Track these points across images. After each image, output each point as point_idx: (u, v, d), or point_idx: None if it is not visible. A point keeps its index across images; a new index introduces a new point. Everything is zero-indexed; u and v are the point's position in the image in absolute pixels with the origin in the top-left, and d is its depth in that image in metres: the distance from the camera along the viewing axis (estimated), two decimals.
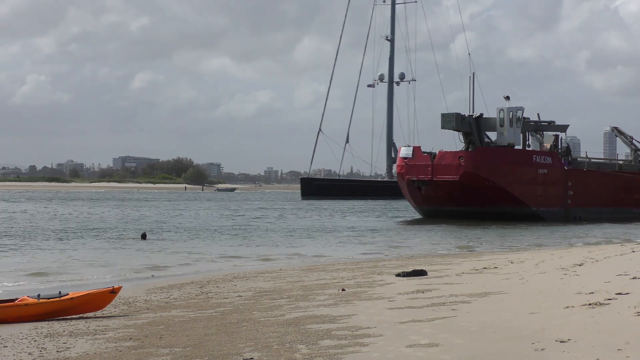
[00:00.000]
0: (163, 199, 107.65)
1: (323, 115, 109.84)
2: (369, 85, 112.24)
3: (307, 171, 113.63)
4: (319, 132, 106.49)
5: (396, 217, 60.36)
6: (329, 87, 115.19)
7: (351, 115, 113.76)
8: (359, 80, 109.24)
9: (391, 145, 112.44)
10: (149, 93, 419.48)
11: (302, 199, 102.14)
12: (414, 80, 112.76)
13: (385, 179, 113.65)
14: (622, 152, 76.59)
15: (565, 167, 56.19)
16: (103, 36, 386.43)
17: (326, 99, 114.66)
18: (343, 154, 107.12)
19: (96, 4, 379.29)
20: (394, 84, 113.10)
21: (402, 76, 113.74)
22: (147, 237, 35.01)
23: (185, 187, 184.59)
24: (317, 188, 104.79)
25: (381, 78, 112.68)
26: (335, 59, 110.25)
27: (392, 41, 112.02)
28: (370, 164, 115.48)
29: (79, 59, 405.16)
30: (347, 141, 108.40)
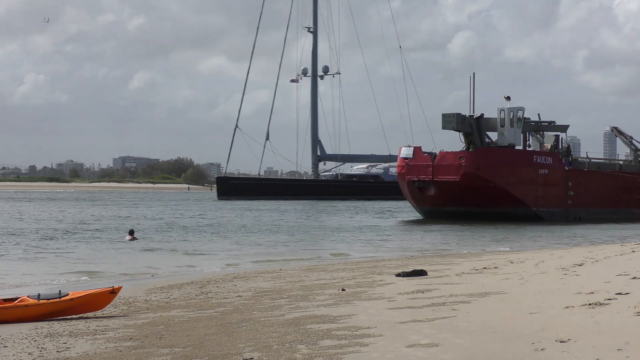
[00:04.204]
0: (189, 198, 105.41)
1: (240, 111, 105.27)
2: (292, 80, 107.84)
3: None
4: (235, 129, 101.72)
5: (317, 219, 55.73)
6: (245, 83, 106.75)
7: (271, 112, 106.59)
8: (278, 74, 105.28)
9: (316, 143, 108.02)
10: (147, 93, 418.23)
11: (219, 199, 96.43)
12: (338, 73, 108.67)
13: (311, 178, 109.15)
14: (622, 152, 76.52)
15: (566, 168, 56.20)
16: (100, 36, 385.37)
17: (243, 94, 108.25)
18: (263, 151, 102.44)
19: (93, 4, 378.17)
20: (318, 78, 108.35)
21: (325, 69, 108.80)
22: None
23: (189, 188, 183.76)
24: (235, 187, 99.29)
25: (304, 72, 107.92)
26: (253, 50, 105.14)
27: (314, 33, 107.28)
28: (296, 162, 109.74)
29: (76, 59, 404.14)
30: (267, 138, 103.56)
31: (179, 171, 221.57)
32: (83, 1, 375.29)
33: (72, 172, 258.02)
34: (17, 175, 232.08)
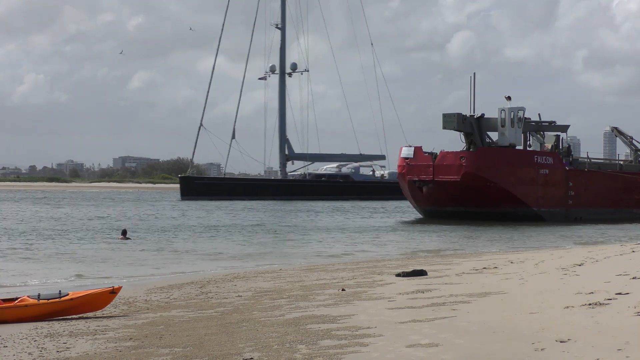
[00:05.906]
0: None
1: (204, 109, 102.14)
2: (260, 78, 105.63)
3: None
4: (200, 127, 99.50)
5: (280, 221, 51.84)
6: (210, 82, 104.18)
7: (237, 110, 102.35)
8: (245, 72, 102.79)
9: (284, 142, 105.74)
10: (147, 93, 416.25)
11: (182, 199, 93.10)
12: (306, 70, 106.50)
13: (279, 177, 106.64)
14: (622, 152, 76.44)
15: (566, 168, 56.18)
16: (100, 36, 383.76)
17: (207, 93, 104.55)
18: (229, 150, 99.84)
19: (92, 4, 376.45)
20: (286, 76, 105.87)
21: (293, 67, 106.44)
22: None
23: None
24: (199, 187, 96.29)
25: (272, 69, 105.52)
26: (218, 48, 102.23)
27: (282, 29, 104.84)
28: (264, 162, 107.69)
29: (76, 59, 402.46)
30: (233, 137, 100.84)
31: (179, 171, 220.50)
32: (82, 1, 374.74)
33: (72, 172, 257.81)
34: (17, 175, 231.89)
